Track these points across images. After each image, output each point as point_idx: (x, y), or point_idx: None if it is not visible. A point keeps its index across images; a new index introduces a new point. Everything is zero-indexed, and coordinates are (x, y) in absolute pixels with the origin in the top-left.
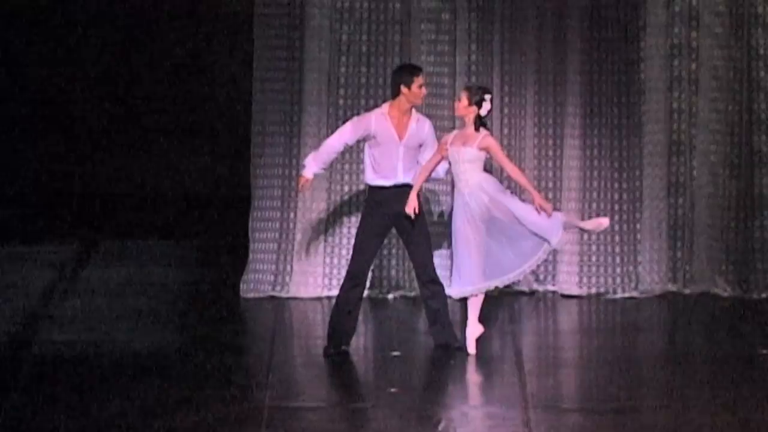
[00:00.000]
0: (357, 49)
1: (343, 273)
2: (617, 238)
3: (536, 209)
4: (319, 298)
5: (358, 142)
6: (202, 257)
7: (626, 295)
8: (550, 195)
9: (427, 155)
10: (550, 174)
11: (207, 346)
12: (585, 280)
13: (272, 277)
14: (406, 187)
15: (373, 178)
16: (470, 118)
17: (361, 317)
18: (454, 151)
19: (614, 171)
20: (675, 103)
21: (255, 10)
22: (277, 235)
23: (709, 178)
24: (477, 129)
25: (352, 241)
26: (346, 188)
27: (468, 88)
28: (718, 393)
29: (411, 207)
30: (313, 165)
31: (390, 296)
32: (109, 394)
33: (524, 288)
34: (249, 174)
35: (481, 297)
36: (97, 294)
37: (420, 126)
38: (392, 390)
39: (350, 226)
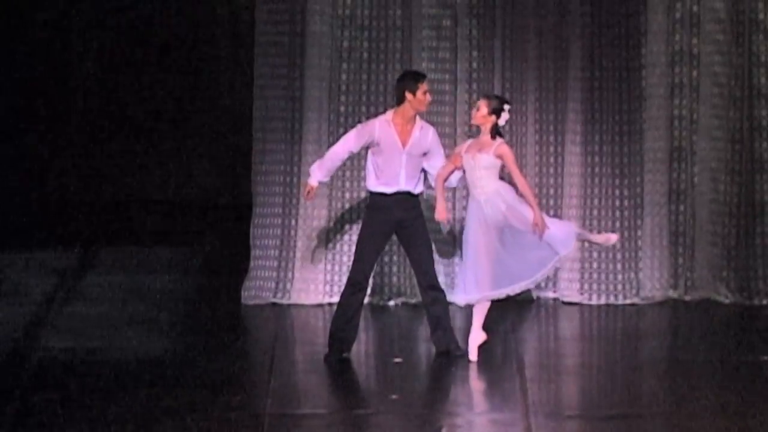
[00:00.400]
0: (358, 55)
1: (345, 280)
2: (618, 244)
3: (534, 224)
4: (320, 305)
5: (362, 149)
6: (204, 264)
7: (627, 301)
8: (551, 202)
9: (434, 162)
10: (551, 180)
11: (208, 353)
12: (586, 286)
13: (273, 284)
14: (407, 195)
15: (375, 184)
16: (487, 127)
17: (362, 324)
18: (469, 158)
19: (615, 177)
20: (676, 110)
21: (256, 17)
22: (278, 241)
23: (710, 184)
24: (494, 137)
25: (354, 248)
26: (347, 195)
27: (487, 97)
28: (720, 400)
29: (443, 215)
30: (318, 173)
31: (391, 303)
32: (111, 401)
33: (525, 295)
34: (250, 181)
35: (487, 304)
36: (99, 300)
37: (424, 133)
38: (393, 397)
39: (351, 233)
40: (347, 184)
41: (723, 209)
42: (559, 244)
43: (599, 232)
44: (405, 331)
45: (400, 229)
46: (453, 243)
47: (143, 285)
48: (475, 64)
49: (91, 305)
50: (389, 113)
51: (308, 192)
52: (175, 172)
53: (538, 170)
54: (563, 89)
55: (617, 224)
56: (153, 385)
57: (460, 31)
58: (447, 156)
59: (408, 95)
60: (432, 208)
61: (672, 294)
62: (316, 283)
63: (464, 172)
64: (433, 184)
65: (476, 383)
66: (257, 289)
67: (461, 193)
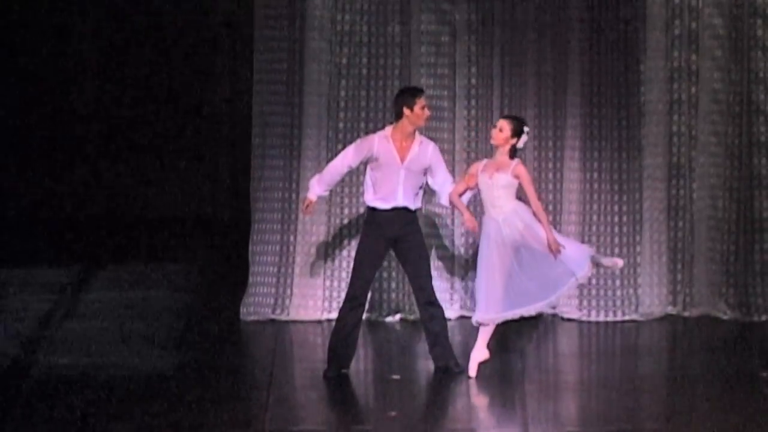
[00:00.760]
0: (357, 72)
1: (343, 296)
2: None
3: (550, 246)
4: (319, 321)
5: (361, 164)
6: (202, 280)
7: (626, 317)
8: (551, 218)
9: (439, 179)
10: (550, 197)
11: (207, 370)
12: (585, 302)
13: (272, 300)
14: (405, 210)
15: (372, 199)
16: (506, 148)
17: (360, 340)
18: (486, 177)
19: (614, 194)
20: (675, 126)
21: (255, 33)
22: (277, 258)
23: (708, 201)
24: (512, 157)
25: (352, 264)
26: (346, 211)
27: (509, 119)
28: (719, 416)
29: (473, 223)
30: (317, 187)
31: (390, 319)
32: (109, 418)
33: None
34: (249, 197)
35: (493, 325)
36: (98, 317)
37: (423, 149)
38: (392, 413)
39: (350, 249)
40: (345, 200)
41: (722, 225)
42: (574, 265)
43: (600, 250)
44: (403, 348)
45: (398, 244)
46: (452, 259)
47: (142, 302)
48: (473, 81)
49: (90, 322)
50: (388, 129)
51: (307, 206)
52: (173, 189)
53: (536, 186)
54: (562, 106)
55: (616, 240)
56: (152, 402)
57: (458, 48)
58: (452, 172)
59: (406, 110)
60: (431, 224)
61: (671, 310)
62: (314, 299)
63: (478, 191)
64: (440, 202)
65: (475, 400)
66: (256, 305)
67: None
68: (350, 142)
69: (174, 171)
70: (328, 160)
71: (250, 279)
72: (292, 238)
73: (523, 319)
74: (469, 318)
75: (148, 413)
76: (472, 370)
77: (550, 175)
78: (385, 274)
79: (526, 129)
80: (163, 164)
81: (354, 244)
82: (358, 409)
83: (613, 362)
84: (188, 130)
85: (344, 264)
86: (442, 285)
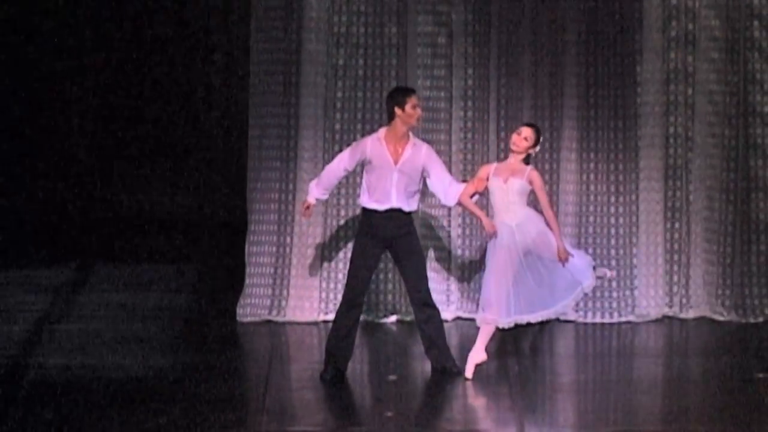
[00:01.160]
0: (353, 73)
1: (340, 297)
2: (614, 262)
3: (560, 254)
4: (315, 323)
5: (357, 167)
6: (199, 282)
7: (623, 319)
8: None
9: (438, 180)
10: None
11: (203, 371)
12: (581, 304)
13: (269, 302)
14: (399, 212)
15: (367, 201)
16: (523, 155)
17: (357, 341)
18: (500, 182)
19: (610, 195)
20: (671, 128)
21: (251, 35)
22: (273, 259)
23: (705, 202)
24: (527, 163)
25: (348, 266)
26: (342, 213)
27: (533, 128)
28: (716, 417)
29: (492, 227)
30: (315, 190)
31: (386, 320)
32: (105, 419)
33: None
34: (246, 198)
35: (494, 326)
36: (93, 318)
37: (416, 151)
38: (389, 414)
39: (346, 251)
40: (342, 202)
41: (718, 227)
42: (580, 275)
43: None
44: (400, 349)
45: (393, 246)
46: (448, 260)
47: (138, 302)
48: (470, 82)
49: (86, 323)
50: (381, 131)
51: (306, 209)
52: (170, 190)
53: (549, 194)
54: (559, 107)
55: (612, 242)
56: (148, 403)
57: (455, 49)
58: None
59: (397, 110)
60: (428, 225)
61: (667, 312)
62: (311, 301)
63: (486, 195)
64: (446, 203)
65: (471, 401)
66: (252, 306)
67: (455, 210)
68: (347, 144)
69: (170, 172)
70: (325, 162)
71: (247, 280)
72: (288, 239)
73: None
74: (466, 319)
75: (144, 414)
76: (469, 372)
77: (547, 177)
78: (381, 276)
79: (541, 138)
80: (159, 166)
81: (350, 245)
82: (355, 410)
83: (609, 364)
84: (184, 131)
85: (341, 265)
86: (438, 286)
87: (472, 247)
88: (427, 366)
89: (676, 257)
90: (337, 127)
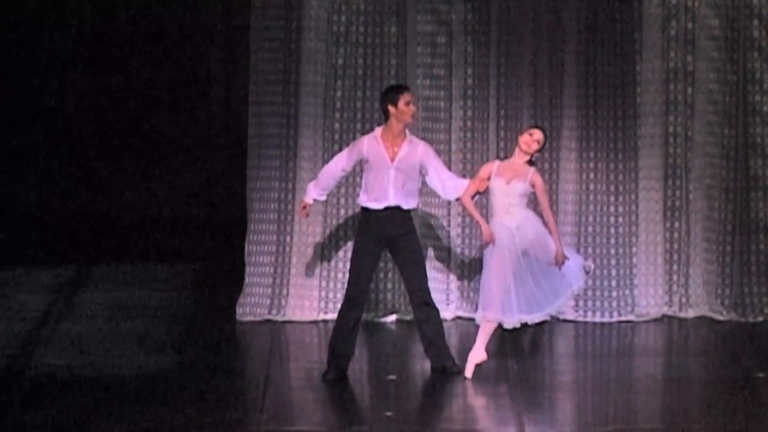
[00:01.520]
0: (353, 73)
1: (340, 296)
2: (613, 261)
3: (557, 258)
4: (315, 322)
5: (356, 166)
6: (199, 281)
7: (622, 318)
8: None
9: (437, 176)
10: None
11: (203, 370)
12: (581, 303)
13: (268, 301)
14: (397, 210)
15: (365, 200)
16: (528, 157)
17: (357, 341)
18: (502, 183)
19: (610, 194)
20: (671, 127)
21: (251, 34)
22: (273, 258)
23: (705, 201)
24: (531, 164)
25: (349, 265)
26: (342, 212)
27: (543, 132)
28: (715, 416)
29: (490, 236)
30: (312, 191)
31: (386, 320)
32: (105, 418)
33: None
34: (245, 197)
35: (494, 325)
36: (93, 317)
37: (412, 149)
38: (388, 414)
39: (346, 250)
40: (342, 201)
41: (718, 226)
42: (573, 277)
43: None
44: (400, 348)
45: (392, 244)
46: (448, 259)
47: (138, 301)
48: (470, 81)
49: (86, 322)
50: (378, 130)
51: (301, 209)
52: (169, 189)
53: (550, 197)
54: (558, 106)
55: (612, 241)
56: (148, 402)
57: (455, 48)
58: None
59: (391, 108)
60: (427, 224)
61: (667, 311)
62: (311, 300)
63: (487, 194)
64: (447, 197)
65: (471, 400)
66: (252, 305)
67: (455, 210)
68: (346, 143)
69: (170, 171)
70: (324, 161)
71: (247, 279)
72: (288, 238)
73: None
74: (466, 319)
75: (144, 413)
76: (469, 371)
77: (547, 176)
78: (381, 275)
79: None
80: (158, 164)
81: (350, 244)
82: (355, 410)
83: (609, 363)
84: (184, 130)
85: (340, 265)
86: (438, 286)
87: (471, 247)
88: (427, 365)
89: (675, 256)
90: (337, 126)
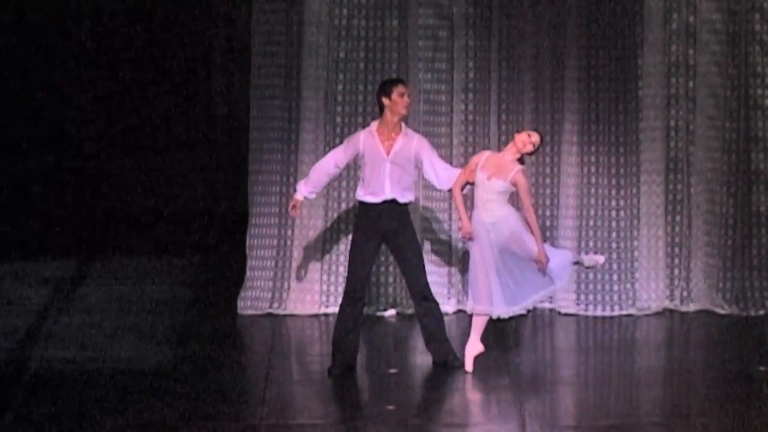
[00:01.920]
0: (354, 66)
1: (341, 290)
2: (615, 255)
3: (537, 260)
4: (316, 315)
5: (352, 161)
6: (200, 274)
7: (624, 312)
8: (548, 212)
9: (432, 168)
10: (548, 191)
11: (204, 363)
12: (582, 297)
13: (270, 294)
14: (394, 204)
15: (362, 194)
16: (519, 155)
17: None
18: (484, 177)
19: (611, 188)
20: (672, 121)
21: (252, 28)
22: (274, 252)
23: (706, 195)
24: (521, 162)
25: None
26: (343, 206)
27: (541, 136)
28: (717, 410)
29: (467, 229)
30: (303, 188)
31: (387, 314)
32: (106, 412)
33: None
34: (247, 191)
35: (486, 318)
36: (95, 311)
37: (407, 141)
38: (389, 407)
39: (347, 244)
40: (343, 195)
41: (719, 220)
42: (555, 275)
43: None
44: (400, 342)
45: (389, 239)
46: (448, 252)
47: (139, 295)
48: (471, 75)
49: (87, 316)
50: (373, 124)
51: (293, 206)
52: (171, 183)
53: (534, 181)
54: (560, 100)
55: (613, 235)
56: (149, 396)
57: (456, 42)
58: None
59: (384, 101)
60: (426, 218)
61: (668, 305)
62: (312, 294)
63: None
64: (440, 187)
65: (472, 394)
66: (253, 299)
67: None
68: (347, 136)
69: (171, 165)
70: (326, 154)
71: (248, 273)
72: (289, 232)
73: (519, 314)
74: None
75: (145, 406)
76: (469, 365)
77: (548, 170)
78: (382, 269)
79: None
80: (160, 158)
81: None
82: (356, 403)
83: (610, 357)
84: (185, 124)
85: (341, 258)
86: (439, 279)
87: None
88: (428, 359)
89: (677, 250)
90: (338, 119)
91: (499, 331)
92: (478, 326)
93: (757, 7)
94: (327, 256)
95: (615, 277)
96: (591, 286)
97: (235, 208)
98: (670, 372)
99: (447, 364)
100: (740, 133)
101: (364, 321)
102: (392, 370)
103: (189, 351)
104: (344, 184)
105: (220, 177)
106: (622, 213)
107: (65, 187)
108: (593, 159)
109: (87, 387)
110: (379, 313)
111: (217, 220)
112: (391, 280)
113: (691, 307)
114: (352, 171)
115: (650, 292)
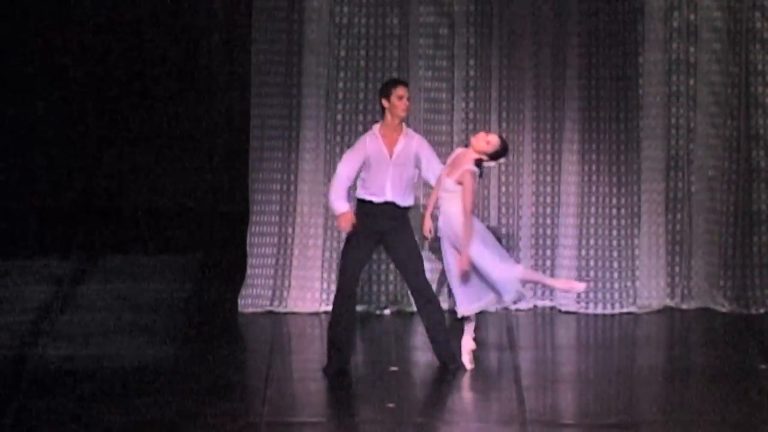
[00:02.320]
0: (355, 64)
1: None
2: (615, 253)
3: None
4: (316, 313)
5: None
6: (200, 272)
7: (624, 310)
8: (548, 210)
9: (429, 163)
10: (548, 189)
11: (205, 361)
12: (583, 295)
13: (270, 292)
14: (392, 205)
15: (362, 194)
16: (475, 157)
17: (357, 332)
18: (444, 174)
19: (612, 186)
20: (673, 119)
21: (253, 26)
22: (275, 249)
23: (707, 193)
24: (477, 165)
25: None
26: None
27: (501, 141)
28: (717, 408)
29: (426, 228)
30: (339, 202)
31: (386, 311)
32: (107, 410)
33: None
34: (247, 188)
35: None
36: (95, 309)
37: (407, 142)
38: (389, 405)
39: None
40: None
41: (720, 218)
42: (501, 287)
43: (599, 243)
44: (400, 340)
45: (386, 240)
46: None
47: (140, 293)
48: (472, 73)
49: (88, 313)
50: (376, 126)
51: (345, 222)
52: (171, 180)
53: (534, 179)
54: (560, 98)
55: (614, 233)
56: (149, 394)
57: (457, 40)
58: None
59: (384, 103)
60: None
61: (669, 303)
62: (312, 291)
63: None
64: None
65: (472, 392)
66: (254, 297)
67: None
68: (348, 134)
69: (172, 162)
70: (327, 152)
71: (248, 271)
72: (290, 230)
73: (520, 311)
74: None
75: (146, 404)
76: (467, 362)
77: (548, 168)
78: (382, 267)
79: (502, 160)
80: (160, 155)
81: None
82: (356, 401)
83: (611, 355)
84: (186, 121)
85: None
86: (438, 278)
87: None
88: (428, 356)
89: (677, 248)
90: (339, 117)
91: (500, 329)
92: (468, 323)
93: (757, 5)
94: (327, 254)
95: (616, 275)
96: (592, 284)
97: (236, 205)
98: (671, 370)
99: (446, 367)
100: (741, 131)
101: (364, 319)
102: (393, 368)
103: (189, 348)
104: None
105: (220, 174)
106: (622, 211)
107: (67, 184)
108: (594, 157)
109: (88, 384)
110: (378, 311)
111: (218, 217)
112: (391, 278)
113: (692, 305)
114: None
115: (651, 289)
